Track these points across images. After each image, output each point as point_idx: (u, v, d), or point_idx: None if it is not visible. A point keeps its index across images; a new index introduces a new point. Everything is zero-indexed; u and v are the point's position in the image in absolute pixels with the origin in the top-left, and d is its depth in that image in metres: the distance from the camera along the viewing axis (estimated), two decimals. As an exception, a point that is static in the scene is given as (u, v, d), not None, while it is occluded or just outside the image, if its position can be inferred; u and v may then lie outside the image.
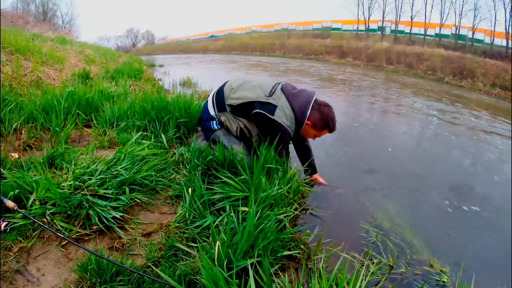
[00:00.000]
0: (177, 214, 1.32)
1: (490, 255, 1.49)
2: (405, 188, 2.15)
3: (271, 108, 1.61)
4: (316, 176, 1.92)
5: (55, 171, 1.41)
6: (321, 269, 1.03)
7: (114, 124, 2.19)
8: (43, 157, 1.49)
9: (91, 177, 1.31)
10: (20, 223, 1.11)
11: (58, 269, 1.01)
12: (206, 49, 29.36)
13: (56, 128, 1.85)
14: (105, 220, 1.18)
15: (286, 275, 1.06)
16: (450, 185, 2.28)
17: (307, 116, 1.65)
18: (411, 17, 21.05)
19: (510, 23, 16.26)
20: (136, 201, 1.37)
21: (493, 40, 17.36)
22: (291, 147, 1.84)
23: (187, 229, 1.23)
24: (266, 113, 1.60)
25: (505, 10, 16.95)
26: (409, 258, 1.34)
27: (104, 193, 1.26)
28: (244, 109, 1.68)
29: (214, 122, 1.82)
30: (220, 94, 1.77)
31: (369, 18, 22.66)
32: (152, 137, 1.97)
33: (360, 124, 4.00)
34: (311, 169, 1.91)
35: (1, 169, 1.34)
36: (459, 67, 13.98)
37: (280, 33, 27.16)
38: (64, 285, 0.95)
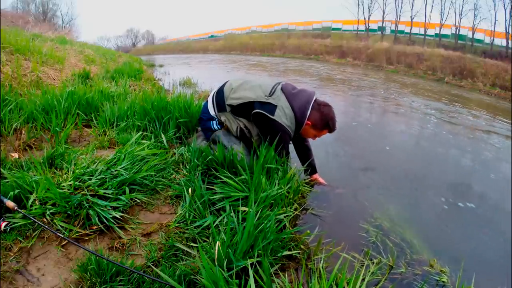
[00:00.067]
0: (177, 214, 1.32)
1: (490, 254, 1.49)
2: (404, 188, 2.15)
3: (271, 108, 1.61)
4: (316, 176, 1.92)
5: (55, 171, 1.41)
6: (321, 269, 1.03)
7: (114, 124, 2.19)
8: (43, 157, 1.49)
9: (91, 177, 1.31)
10: (20, 223, 1.11)
11: (58, 269, 1.01)
12: (206, 49, 29.36)
13: (56, 128, 1.85)
14: (105, 220, 1.18)
15: (286, 275, 1.06)
16: (446, 183, 2.30)
17: (307, 116, 1.65)
18: (411, 17, 21.08)
19: (510, 23, 16.29)
20: (136, 201, 1.37)
21: (493, 40, 17.37)
22: (291, 147, 1.84)
23: (187, 229, 1.23)
24: (266, 113, 1.60)
25: (505, 10, 16.98)
26: (409, 258, 1.34)
27: (104, 193, 1.26)
28: (244, 109, 1.68)
29: (214, 122, 1.82)
30: (220, 94, 1.77)
31: (369, 18, 22.70)
32: (152, 137, 1.97)
33: (358, 123, 4.01)
34: (311, 169, 1.91)
35: (1, 169, 1.34)
36: (459, 67, 13.99)
37: (280, 33, 27.17)
38: (64, 285, 0.95)
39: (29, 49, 3.81)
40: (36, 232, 1.11)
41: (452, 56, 15.02)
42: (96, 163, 1.43)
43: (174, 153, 1.85)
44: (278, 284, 0.97)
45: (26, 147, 1.74)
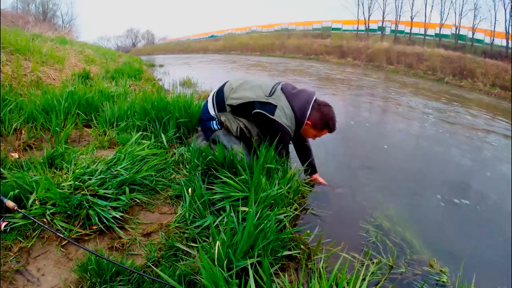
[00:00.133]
0: (177, 214, 1.32)
1: (490, 254, 1.50)
2: (403, 187, 2.16)
3: (271, 108, 1.61)
4: (316, 176, 1.92)
5: (55, 171, 1.41)
6: (321, 269, 1.03)
7: (114, 124, 2.19)
8: (43, 157, 1.49)
9: (91, 177, 1.31)
10: (20, 223, 1.11)
11: (58, 269, 1.01)
12: (206, 49, 29.35)
13: (56, 128, 1.85)
14: (105, 220, 1.18)
15: (286, 275, 1.06)
16: (442, 181, 2.33)
17: (307, 116, 1.65)
18: (411, 17, 21.08)
19: (510, 23, 16.29)
20: (136, 201, 1.37)
21: (493, 40, 17.37)
22: (291, 147, 1.84)
23: (187, 229, 1.23)
24: (266, 113, 1.60)
25: (505, 10, 16.99)
26: (409, 258, 1.34)
27: (104, 193, 1.26)
28: (244, 109, 1.68)
29: (214, 122, 1.82)
30: (220, 94, 1.77)
31: (369, 18, 22.70)
32: (152, 137, 1.97)
33: (356, 122, 4.02)
34: (311, 169, 1.91)
35: (1, 169, 1.34)
36: (459, 67, 13.99)
37: (280, 33, 27.16)
38: (64, 285, 0.95)
39: (29, 49, 3.81)
40: (36, 232, 1.11)
41: (452, 56, 15.02)
42: (96, 163, 1.43)
43: (174, 153, 1.85)
44: (278, 284, 0.97)
45: (26, 147, 1.74)
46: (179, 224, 1.26)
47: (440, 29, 19.75)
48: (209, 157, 1.57)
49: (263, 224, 1.12)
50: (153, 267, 1.02)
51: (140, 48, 41.57)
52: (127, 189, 1.36)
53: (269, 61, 16.41)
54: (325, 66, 14.48)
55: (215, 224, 1.23)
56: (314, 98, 1.69)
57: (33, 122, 2.00)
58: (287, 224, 1.32)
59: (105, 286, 0.93)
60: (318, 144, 2.15)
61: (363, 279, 1.01)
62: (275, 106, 1.61)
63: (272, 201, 1.37)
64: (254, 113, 1.63)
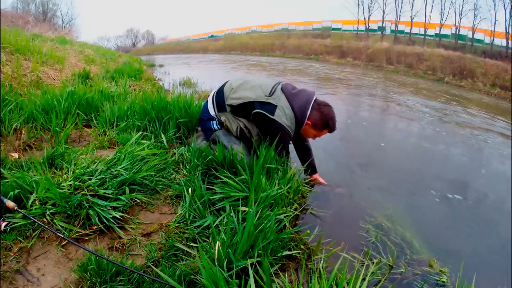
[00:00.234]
0: (177, 214, 1.32)
1: (490, 254, 1.49)
2: (402, 187, 2.17)
3: (271, 108, 1.61)
4: (316, 176, 1.92)
5: (55, 171, 1.41)
6: (321, 269, 1.03)
7: (114, 124, 2.19)
8: (43, 157, 1.49)
9: (91, 177, 1.31)
10: (20, 223, 1.10)
11: (58, 269, 1.01)
12: (206, 49, 29.35)
13: (56, 128, 1.85)
14: (105, 220, 1.18)
15: (286, 275, 1.06)
16: (437, 177, 2.37)
17: (307, 116, 1.65)
18: (411, 17, 21.09)
19: (510, 23, 16.29)
20: (136, 201, 1.37)
21: (493, 40, 17.37)
22: (291, 147, 1.84)
23: (187, 229, 1.23)
24: (266, 113, 1.60)
25: (505, 10, 16.99)
26: (409, 258, 1.34)
27: (104, 193, 1.26)
28: (244, 109, 1.68)
29: (214, 122, 1.82)
30: (220, 94, 1.77)
31: (369, 18, 22.70)
32: (152, 137, 1.97)
33: (353, 122, 4.04)
34: (311, 169, 1.91)
35: (1, 169, 1.34)
36: (459, 67, 13.99)
37: (280, 33, 27.17)
38: (64, 285, 0.95)
39: (29, 49, 3.81)
40: (36, 232, 1.11)
41: (452, 56, 15.02)
42: (96, 163, 1.43)
43: (174, 153, 1.85)
44: (278, 284, 0.97)
45: (26, 147, 1.74)
46: (179, 224, 1.26)
47: (440, 29, 19.75)
48: (209, 157, 1.57)
49: (263, 224, 1.12)
50: (153, 267, 1.02)
51: (140, 48, 41.57)
52: (127, 189, 1.36)
53: (269, 61, 16.41)
54: (325, 66, 14.47)
55: (215, 224, 1.23)
56: (314, 98, 1.69)
57: (33, 122, 2.00)
58: (287, 224, 1.32)
59: (105, 286, 0.93)
60: (318, 144, 2.16)
61: (363, 279, 1.01)
62: (275, 106, 1.61)
63: (272, 201, 1.37)
64: (254, 113, 1.63)
